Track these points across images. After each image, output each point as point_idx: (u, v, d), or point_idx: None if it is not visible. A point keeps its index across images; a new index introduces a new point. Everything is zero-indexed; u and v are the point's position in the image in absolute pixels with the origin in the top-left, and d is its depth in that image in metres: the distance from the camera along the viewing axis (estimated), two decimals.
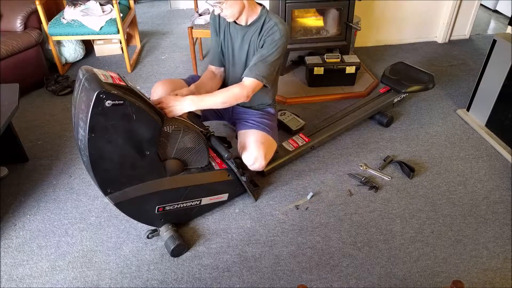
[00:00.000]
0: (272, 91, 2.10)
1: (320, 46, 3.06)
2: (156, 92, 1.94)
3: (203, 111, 2.11)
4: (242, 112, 2.11)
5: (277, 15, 1.87)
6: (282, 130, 2.56)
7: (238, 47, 1.93)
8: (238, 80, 1.89)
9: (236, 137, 2.11)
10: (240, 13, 1.79)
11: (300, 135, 2.38)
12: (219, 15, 1.87)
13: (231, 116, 2.18)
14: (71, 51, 3.32)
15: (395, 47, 3.72)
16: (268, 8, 1.88)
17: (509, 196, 2.11)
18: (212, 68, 2.06)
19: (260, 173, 2.22)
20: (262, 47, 1.82)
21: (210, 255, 1.81)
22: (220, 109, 2.18)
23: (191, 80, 2.12)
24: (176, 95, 1.78)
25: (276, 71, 1.90)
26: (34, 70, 2.98)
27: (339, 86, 3.01)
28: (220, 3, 1.71)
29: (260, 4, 1.87)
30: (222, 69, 2.05)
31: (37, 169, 2.30)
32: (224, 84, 2.10)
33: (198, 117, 2.13)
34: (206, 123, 2.13)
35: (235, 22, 1.87)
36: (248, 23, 1.85)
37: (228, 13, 1.75)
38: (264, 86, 1.85)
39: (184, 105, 1.69)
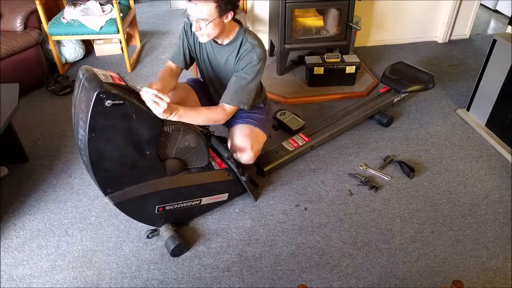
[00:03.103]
0: (260, 94, 2.09)
1: (320, 46, 3.06)
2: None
3: None
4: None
5: (255, 35, 1.82)
6: (282, 130, 2.57)
7: (216, 64, 1.91)
8: (219, 90, 1.92)
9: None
10: (218, 36, 1.75)
11: (300, 135, 2.38)
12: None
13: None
14: (71, 51, 3.32)
15: (395, 47, 3.71)
16: (246, 27, 1.82)
17: (509, 196, 2.11)
18: (172, 65, 1.99)
19: (260, 173, 2.22)
20: (239, 70, 1.78)
21: (210, 255, 1.81)
22: None
23: (194, 84, 2.14)
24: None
25: (255, 91, 1.86)
26: (34, 70, 2.98)
27: (339, 86, 3.01)
28: (204, 20, 1.62)
29: (239, 22, 1.82)
30: (180, 69, 2.00)
31: (37, 169, 2.30)
32: (206, 90, 2.11)
33: None
34: None
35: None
36: (224, 44, 1.81)
37: (206, 33, 1.68)
38: None
39: (172, 116, 1.60)
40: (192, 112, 1.69)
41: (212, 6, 1.60)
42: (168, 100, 1.52)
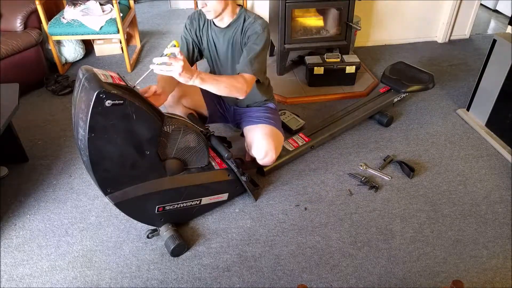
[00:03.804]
0: (268, 88, 2.12)
1: (320, 46, 3.06)
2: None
3: (210, 114, 2.13)
4: (244, 111, 2.13)
5: (255, 13, 1.89)
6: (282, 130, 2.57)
7: (222, 50, 1.93)
8: None
9: (242, 135, 2.14)
10: (223, 11, 1.80)
11: (300, 134, 2.38)
12: (199, 17, 1.91)
13: (234, 118, 2.20)
14: (71, 50, 3.32)
15: (395, 47, 3.71)
16: (247, 8, 1.91)
17: (509, 196, 2.11)
18: None
19: (260, 173, 2.22)
20: (247, 44, 1.82)
21: (210, 254, 1.81)
22: (224, 112, 2.20)
23: None
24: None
25: (266, 63, 1.92)
26: (34, 70, 2.98)
27: (339, 86, 3.01)
28: None
29: (239, 5, 1.89)
30: None
31: (37, 169, 2.30)
32: None
33: (203, 119, 2.14)
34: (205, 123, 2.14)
35: (214, 24, 1.88)
36: (228, 24, 1.86)
37: (212, 8, 1.75)
38: (257, 81, 1.89)
39: (194, 79, 1.59)
40: (215, 77, 1.70)
41: None
42: (181, 57, 1.49)
